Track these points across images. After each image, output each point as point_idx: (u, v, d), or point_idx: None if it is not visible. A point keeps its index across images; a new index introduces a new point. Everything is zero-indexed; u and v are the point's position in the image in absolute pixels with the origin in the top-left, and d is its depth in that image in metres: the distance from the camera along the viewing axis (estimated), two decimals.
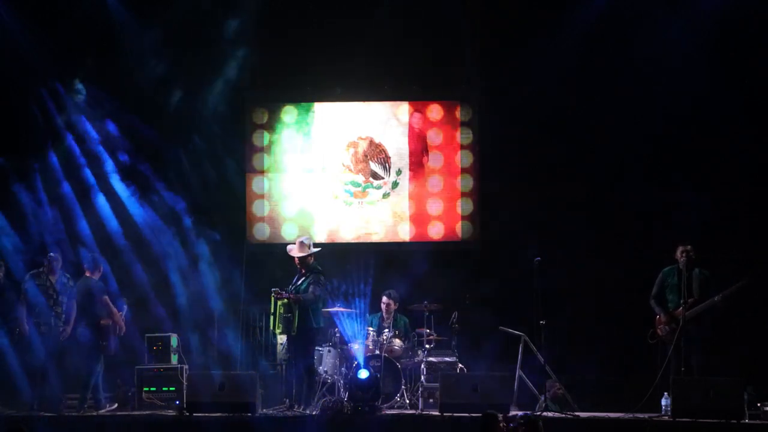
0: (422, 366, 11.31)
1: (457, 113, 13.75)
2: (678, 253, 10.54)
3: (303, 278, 11.07)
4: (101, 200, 13.07)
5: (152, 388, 11.47)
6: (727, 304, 10.35)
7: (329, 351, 11.36)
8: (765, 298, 11.73)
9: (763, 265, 11.47)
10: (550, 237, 12.66)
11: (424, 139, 13.78)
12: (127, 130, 13.29)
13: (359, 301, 12.48)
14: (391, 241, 13.69)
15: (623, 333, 11.89)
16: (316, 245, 11.49)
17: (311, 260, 11.16)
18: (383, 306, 11.92)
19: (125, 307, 11.60)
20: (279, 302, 10.93)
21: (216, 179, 13.49)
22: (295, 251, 11.17)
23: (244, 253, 13.40)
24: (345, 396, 10.80)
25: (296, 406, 10.74)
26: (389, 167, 13.74)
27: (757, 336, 11.99)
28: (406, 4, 13.08)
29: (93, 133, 13.20)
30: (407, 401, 11.14)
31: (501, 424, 8.01)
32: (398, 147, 13.77)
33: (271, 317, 11.07)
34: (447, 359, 11.54)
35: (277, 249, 13.09)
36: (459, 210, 13.66)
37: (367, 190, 13.75)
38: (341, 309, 11.57)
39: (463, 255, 13.48)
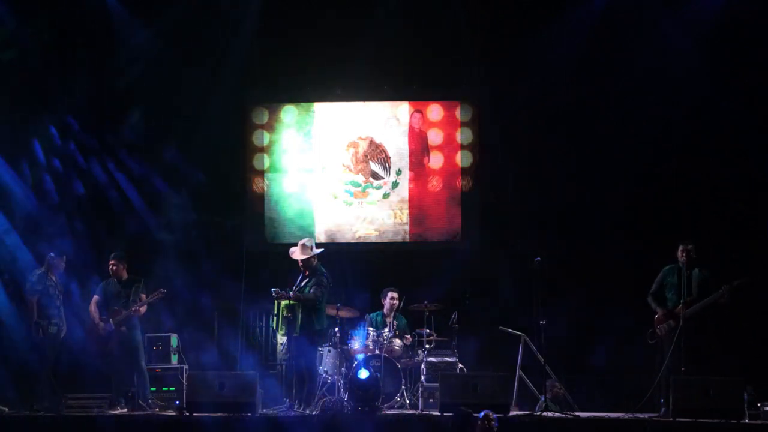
0: (422, 366, 11.31)
1: (457, 113, 13.75)
2: (678, 252, 10.54)
3: (306, 279, 11.07)
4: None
5: (152, 388, 11.47)
6: (732, 298, 10.31)
7: (329, 351, 11.36)
8: (765, 298, 11.72)
9: (762, 265, 11.49)
10: (550, 237, 12.67)
11: (424, 139, 13.78)
12: (127, 131, 13.33)
13: (359, 301, 12.49)
14: (391, 241, 13.69)
15: (623, 333, 11.88)
16: (318, 245, 11.49)
17: (314, 261, 11.16)
18: (389, 302, 11.88)
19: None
20: (282, 303, 10.94)
21: (216, 179, 13.50)
22: (297, 254, 11.15)
23: (244, 254, 13.41)
24: (345, 396, 10.80)
25: (296, 406, 10.74)
26: (389, 167, 13.74)
27: (757, 336, 11.99)
28: (405, 4, 13.09)
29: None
30: (407, 401, 11.14)
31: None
32: (398, 147, 13.77)
33: (274, 317, 11.09)
34: (447, 359, 11.53)
35: (277, 249, 13.12)
36: (459, 210, 13.65)
37: (367, 190, 13.75)
38: (344, 313, 11.58)
39: (463, 255, 13.48)
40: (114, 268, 11.42)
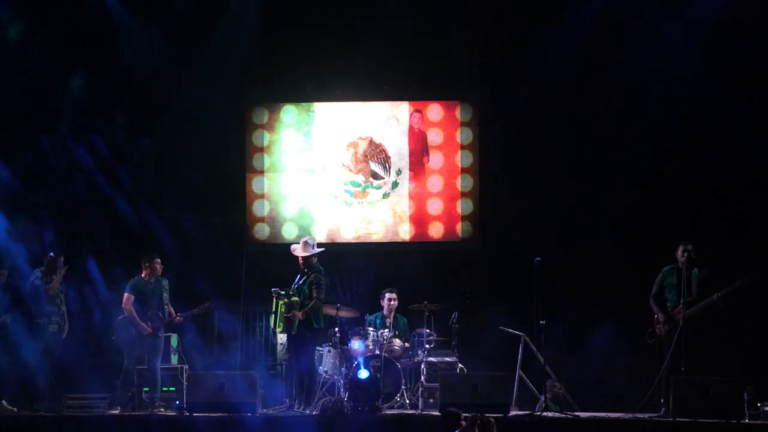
0: (422, 366, 11.30)
1: (457, 113, 13.75)
2: (679, 252, 10.53)
3: (305, 278, 11.08)
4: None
5: None
6: (726, 303, 10.31)
7: (329, 351, 11.35)
8: (765, 298, 11.72)
9: (762, 265, 11.49)
10: (550, 237, 12.67)
11: (424, 139, 13.78)
12: (127, 130, 13.34)
13: (359, 301, 12.49)
14: (391, 241, 13.68)
15: (623, 333, 11.89)
16: (319, 245, 11.49)
17: (314, 260, 11.17)
18: (386, 303, 11.87)
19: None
20: (280, 302, 10.94)
21: (216, 179, 13.50)
22: (299, 251, 11.19)
23: (244, 253, 13.41)
24: (345, 396, 10.80)
25: (296, 406, 10.75)
26: (389, 167, 13.74)
27: (757, 336, 11.98)
28: (405, 4, 13.09)
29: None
30: (407, 401, 11.14)
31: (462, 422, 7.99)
32: (398, 147, 13.77)
33: (272, 316, 11.10)
34: (447, 359, 11.53)
35: (277, 249, 13.12)
36: (459, 210, 13.66)
37: (367, 190, 13.75)
38: (344, 313, 11.58)
39: (463, 255, 13.48)
40: (158, 267, 11.35)
